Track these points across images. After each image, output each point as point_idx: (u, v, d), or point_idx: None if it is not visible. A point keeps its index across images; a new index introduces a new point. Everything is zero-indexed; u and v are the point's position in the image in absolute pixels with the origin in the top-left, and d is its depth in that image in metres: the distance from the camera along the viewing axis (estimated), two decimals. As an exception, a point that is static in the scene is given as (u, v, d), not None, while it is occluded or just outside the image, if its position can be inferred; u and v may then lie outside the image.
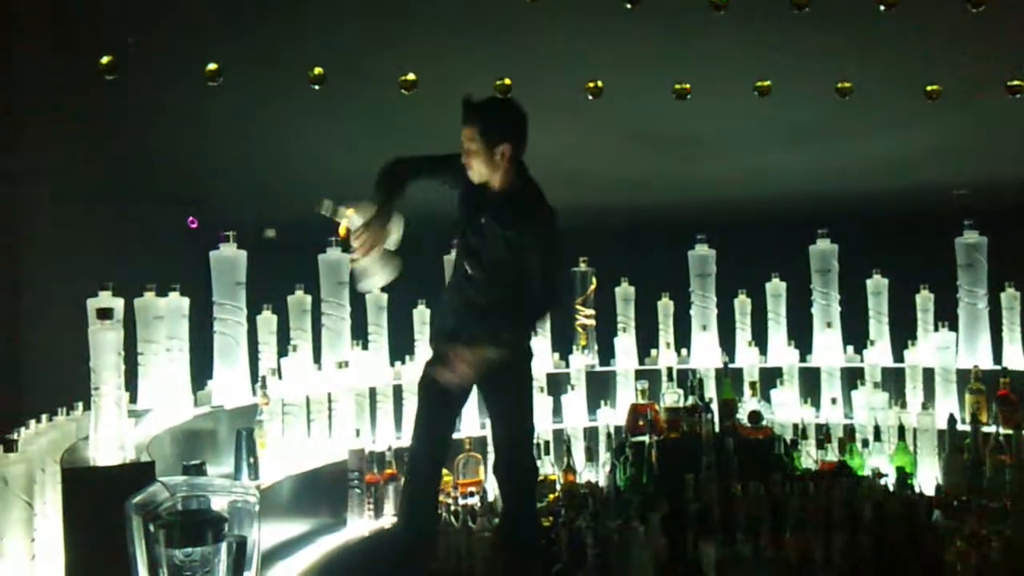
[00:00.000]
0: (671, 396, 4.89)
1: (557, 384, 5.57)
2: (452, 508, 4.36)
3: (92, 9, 4.56)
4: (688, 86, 5.48)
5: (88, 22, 4.62)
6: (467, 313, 3.68)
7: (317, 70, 4.87)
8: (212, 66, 4.67)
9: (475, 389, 3.97)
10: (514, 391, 3.78)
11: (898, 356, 5.45)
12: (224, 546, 2.18)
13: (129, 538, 2.21)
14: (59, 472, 3.01)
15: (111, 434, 2.98)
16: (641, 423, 4.79)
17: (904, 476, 4.33)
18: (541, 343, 5.60)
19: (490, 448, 4.85)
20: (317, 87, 4.87)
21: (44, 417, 3.53)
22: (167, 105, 6.02)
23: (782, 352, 5.60)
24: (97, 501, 2.77)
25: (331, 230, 4.85)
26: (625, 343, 5.69)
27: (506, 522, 3.85)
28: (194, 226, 8.01)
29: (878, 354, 5.43)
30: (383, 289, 5.16)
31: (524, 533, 3.79)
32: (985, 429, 4.50)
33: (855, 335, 5.58)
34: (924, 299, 5.39)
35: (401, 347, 5.29)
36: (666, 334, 5.75)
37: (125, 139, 6.56)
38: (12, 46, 5.57)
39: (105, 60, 4.36)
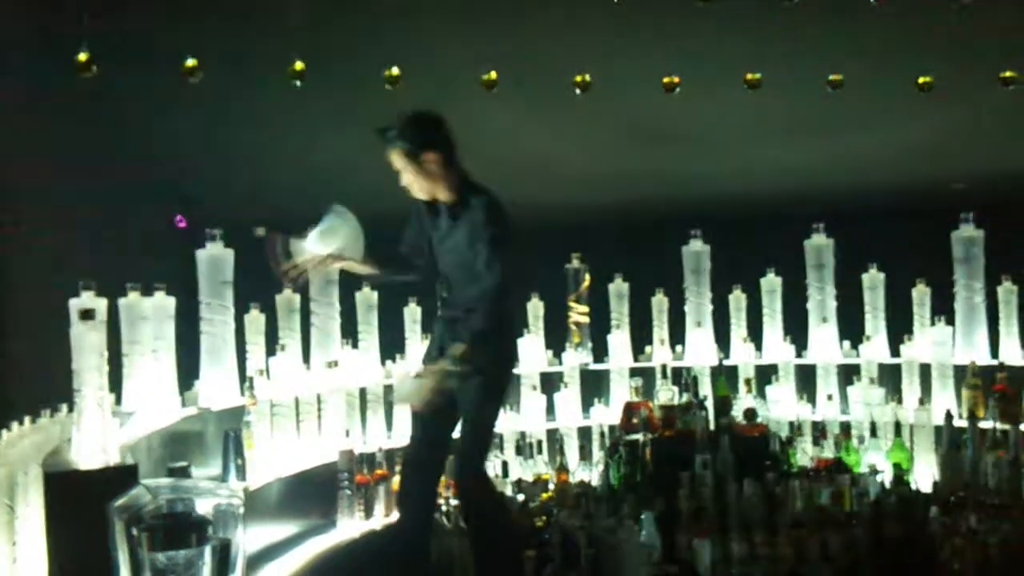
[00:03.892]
0: (665, 393, 4.85)
1: (550, 382, 5.52)
2: (444, 509, 4.31)
3: (71, 5, 4.49)
4: (677, 79, 5.45)
5: (68, 18, 4.56)
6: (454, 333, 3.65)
7: (298, 65, 4.82)
8: (191, 62, 4.60)
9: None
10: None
11: (895, 351, 5.40)
12: (208, 549, 2.16)
13: (112, 541, 2.18)
14: (42, 475, 2.95)
15: (94, 436, 2.92)
16: (635, 421, 4.75)
17: (901, 473, 4.31)
18: (533, 341, 5.56)
19: None
20: (298, 83, 4.82)
21: (27, 419, 3.48)
22: (153, 102, 5.96)
23: (777, 348, 5.56)
24: (80, 504, 2.72)
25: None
26: (619, 340, 5.65)
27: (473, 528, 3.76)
28: (182, 225, 7.97)
29: (874, 349, 5.38)
30: (374, 288, 5.12)
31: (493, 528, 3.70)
32: (982, 424, 4.47)
33: (851, 330, 5.53)
34: (921, 293, 5.35)
35: (391, 346, 5.23)
36: (660, 331, 5.71)
37: (110, 137, 6.51)
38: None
39: (83, 57, 4.29)
